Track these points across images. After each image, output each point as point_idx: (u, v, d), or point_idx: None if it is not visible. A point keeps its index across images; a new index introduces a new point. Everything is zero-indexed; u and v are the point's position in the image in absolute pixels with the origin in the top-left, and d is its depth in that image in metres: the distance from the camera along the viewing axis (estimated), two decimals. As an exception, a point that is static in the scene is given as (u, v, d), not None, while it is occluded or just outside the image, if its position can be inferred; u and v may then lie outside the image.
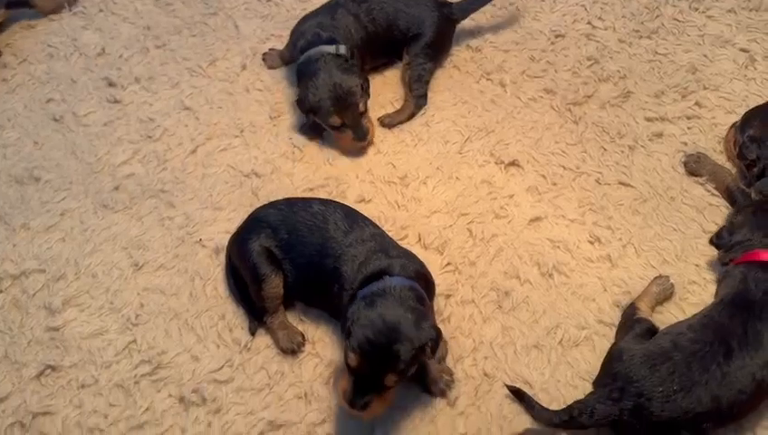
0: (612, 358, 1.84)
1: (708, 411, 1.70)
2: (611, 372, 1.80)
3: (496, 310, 2.11)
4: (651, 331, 1.88)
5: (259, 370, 2.02)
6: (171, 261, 2.26)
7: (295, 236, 2.03)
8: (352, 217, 2.05)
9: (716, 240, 2.05)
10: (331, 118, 2.39)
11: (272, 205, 2.15)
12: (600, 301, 2.10)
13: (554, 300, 2.12)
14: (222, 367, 2.03)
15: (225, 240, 2.22)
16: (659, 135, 2.44)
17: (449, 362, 2.00)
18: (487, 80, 2.68)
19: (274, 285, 2.03)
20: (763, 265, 1.89)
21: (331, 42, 2.46)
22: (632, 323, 1.93)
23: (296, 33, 2.60)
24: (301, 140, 2.52)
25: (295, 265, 2.03)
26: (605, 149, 2.42)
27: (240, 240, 2.11)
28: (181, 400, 1.97)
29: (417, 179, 2.42)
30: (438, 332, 1.81)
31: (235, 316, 2.13)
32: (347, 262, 1.94)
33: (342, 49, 2.45)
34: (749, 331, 1.78)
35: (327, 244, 1.99)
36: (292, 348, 2.04)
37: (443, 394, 1.94)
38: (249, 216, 2.16)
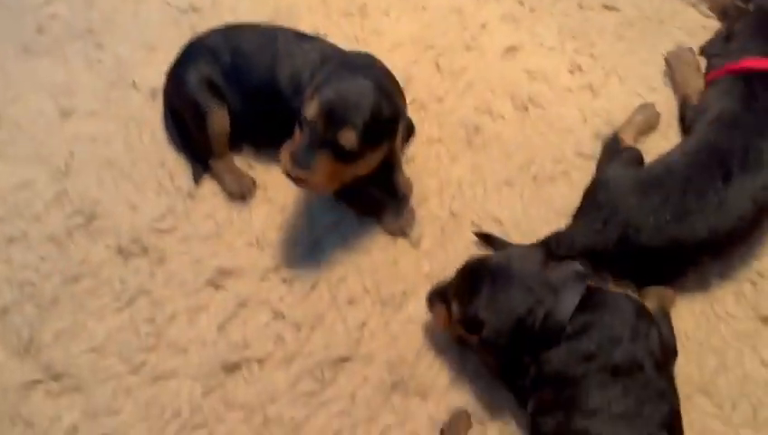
0: (597, 187, 1.67)
1: (703, 242, 1.55)
2: (595, 202, 1.64)
3: (465, 148, 1.92)
4: (640, 159, 1.70)
5: (205, 218, 1.83)
6: (103, 107, 2.01)
7: (240, 57, 1.78)
8: (304, 34, 1.82)
9: (709, 48, 1.83)
10: None
11: (211, 30, 1.89)
12: (579, 133, 1.91)
13: (529, 134, 1.93)
14: (164, 216, 1.83)
15: (161, 82, 1.97)
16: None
17: (413, 203, 1.83)
18: None
19: (219, 118, 1.80)
20: (765, 74, 1.68)
21: None
22: (618, 151, 1.74)
23: None
24: (244, -33, 2.23)
25: (243, 93, 1.79)
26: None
27: (176, 72, 1.86)
28: (120, 250, 1.79)
29: (378, 10, 2.16)
30: (412, 124, 1.63)
31: (176, 163, 1.91)
32: (304, 69, 1.71)
33: None
34: (750, 150, 1.59)
35: (278, 57, 1.75)
36: (241, 193, 1.85)
37: (403, 233, 1.78)
38: (185, 45, 1.90)
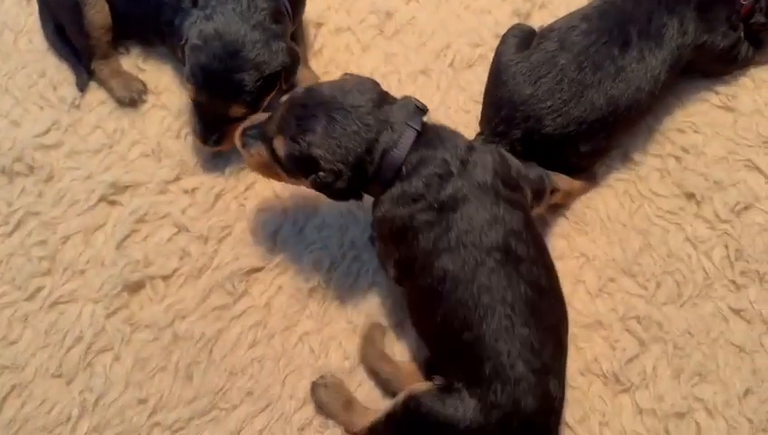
0: (492, 82, 1.55)
1: (605, 117, 1.46)
2: (493, 101, 1.52)
3: (377, 36, 1.78)
4: (529, 35, 1.56)
5: (94, 130, 1.68)
6: (-30, 12, 1.80)
7: None
8: None
9: None
10: None
11: None
12: (497, 13, 1.78)
13: (444, 18, 1.79)
14: (48, 130, 1.67)
15: (34, -19, 1.76)
16: None
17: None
18: None
19: (98, 8, 1.62)
20: None
21: None
22: (507, 33, 1.59)
23: None
24: None
25: None
26: None
27: None
28: (3, 171, 1.63)
29: None
30: (295, 54, 1.49)
31: (57, 72, 1.73)
32: None
33: None
34: (654, 20, 1.48)
35: None
36: (131, 97, 1.69)
37: None
38: None
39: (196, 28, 1.44)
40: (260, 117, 1.35)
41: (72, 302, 1.52)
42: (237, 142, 1.35)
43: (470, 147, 1.29)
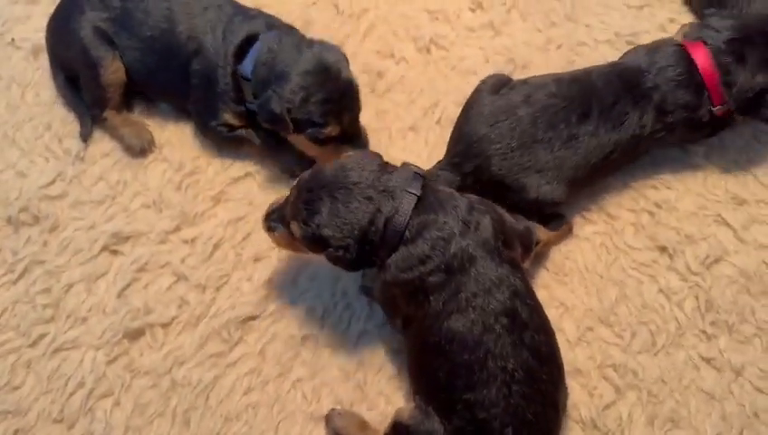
0: (461, 116, 1.65)
1: (548, 170, 1.55)
2: (455, 134, 1.64)
3: (369, 94, 1.87)
4: (503, 82, 1.66)
5: (97, 181, 1.75)
6: (-20, 67, 1.89)
7: (132, 2, 1.70)
8: None
9: None
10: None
11: None
12: (481, 73, 1.85)
13: (432, 77, 1.89)
14: (53, 181, 1.75)
15: (43, 39, 1.85)
16: None
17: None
18: None
19: (114, 68, 1.72)
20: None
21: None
22: (488, 77, 1.70)
23: None
24: None
25: (136, 40, 1.70)
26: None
27: (60, 21, 1.76)
28: (9, 220, 1.70)
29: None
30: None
31: (63, 125, 1.81)
32: (205, 32, 1.65)
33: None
34: (618, 105, 1.59)
35: (174, 9, 1.68)
36: (142, 145, 1.76)
37: None
38: None
39: (300, 90, 1.56)
40: (278, 202, 1.45)
41: (75, 348, 1.58)
42: (263, 226, 1.46)
43: (470, 207, 1.36)
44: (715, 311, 1.59)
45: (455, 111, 1.82)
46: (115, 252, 1.67)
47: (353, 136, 1.65)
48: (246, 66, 1.62)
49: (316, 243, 1.36)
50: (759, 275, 1.62)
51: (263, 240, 1.68)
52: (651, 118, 1.60)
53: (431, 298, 1.32)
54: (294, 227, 1.37)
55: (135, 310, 1.60)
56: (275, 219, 1.44)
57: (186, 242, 1.68)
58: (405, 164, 1.42)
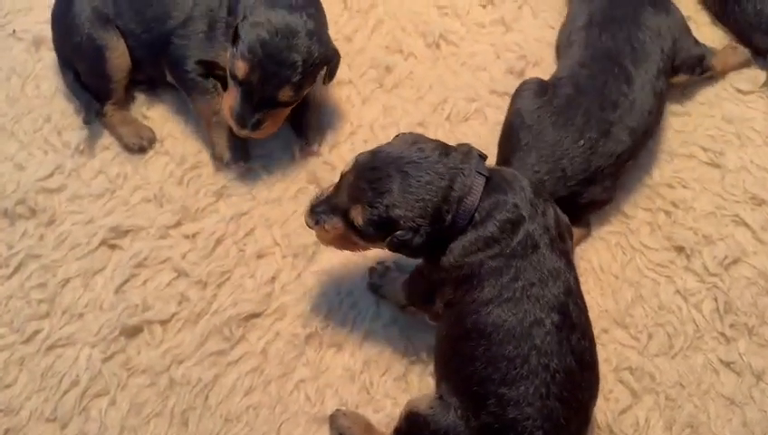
0: (515, 126, 1.58)
1: (629, 148, 1.53)
2: (519, 144, 1.54)
3: (377, 89, 1.83)
4: (544, 85, 1.62)
5: (97, 174, 1.70)
6: (-20, 58, 1.84)
7: None
8: None
9: None
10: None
11: None
12: (492, 69, 1.84)
13: (441, 73, 1.85)
14: (52, 174, 1.69)
15: (45, 30, 1.80)
16: None
17: (324, 150, 1.74)
18: None
19: (119, 52, 1.67)
20: None
21: None
22: (521, 86, 1.65)
23: None
24: None
25: (137, 21, 1.66)
26: None
27: (61, 9, 1.71)
28: (5, 213, 1.64)
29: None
30: (338, 55, 1.58)
31: (63, 117, 1.76)
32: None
33: None
34: (634, 43, 1.58)
35: None
36: (140, 144, 1.72)
37: (312, 140, 1.74)
38: None
39: (258, 9, 1.48)
40: (323, 193, 1.34)
41: (70, 345, 1.52)
42: (308, 221, 1.34)
43: (535, 189, 1.30)
44: (733, 313, 1.54)
45: (464, 108, 1.80)
46: (113, 247, 1.62)
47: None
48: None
49: (383, 227, 1.25)
50: (779, 277, 1.57)
51: (266, 236, 1.64)
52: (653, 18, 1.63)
53: (485, 283, 1.23)
54: (357, 211, 1.25)
55: (133, 306, 1.55)
56: (325, 211, 1.32)
57: (187, 237, 1.63)
58: (464, 144, 1.33)
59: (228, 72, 1.55)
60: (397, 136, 1.34)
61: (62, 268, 1.59)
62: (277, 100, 1.52)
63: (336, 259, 1.60)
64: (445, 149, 1.29)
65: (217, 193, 1.68)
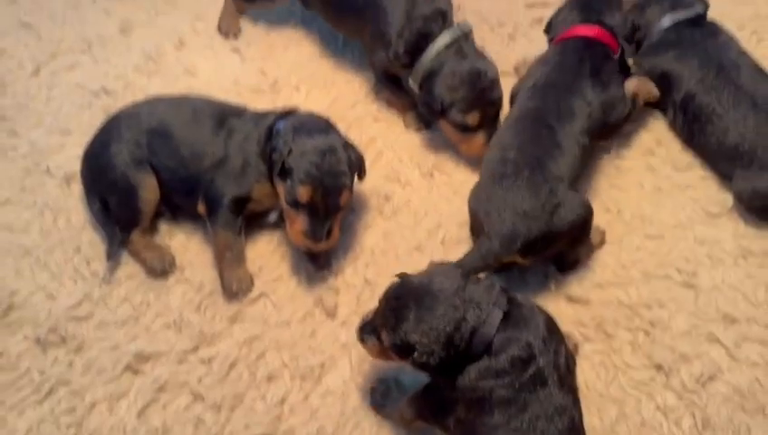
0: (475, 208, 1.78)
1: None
2: (472, 216, 1.81)
3: (377, 216, 2.00)
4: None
5: (122, 302, 1.86)
6: (17, 195, 2.04)
7: (165, 126, 1.90)
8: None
9: (546, 27, 2.11)
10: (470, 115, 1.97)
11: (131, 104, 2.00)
12: (482, 196, 2.01)
13: (436, 200, 2.02)
14: (81, 303, 1.85)
15: (75, 166, 2.00)
16: (540, 21, 2.32)
17: (329, 275, 1.90)
18: None
19: (151, 189, 1.88)
20: (579, 38, 1.96)
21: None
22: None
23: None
24: (154, 49, 2.29)
25: (173, 159, 1.88)
26: (485, 39, 2.29)
27: (97, 149, 1.92)
28: (38, 341, 1.79)
29: (289, 86, 2.25)
30: (362, 154, 1.87)
31: (91, 247, 1.94)
32: (236, 132, 1.88)
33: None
34: (561, 104, 1.82)
35: (205, 114, 1.91)
36: (163, 268, 1.88)
37: (321, 265, 1.91)
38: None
39: (298, 139, 1.73)
40: (369, 314, 1.54)
41: (95, 467, 1.64)
42: (357, 338, 1.56)
43: (549, 327, 1.44)
44: (711, 428, 1.64)
45: (457, 232, 1.96)
46: (136, 372, 1.75)
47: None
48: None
49: (403, 349, 1.43)
50: (752, 393, 1.67)
51: (276, 359, 1.77)
52: (590, 88, 1.88)
53: (495, 409, 1.38)
54: (384, 335, 1.46)
55: (153, 430, 1.67)
56: (368, 331, 1.53)
57: (203, 362, 1.77)
58: (488, 278, 1.52)
59: (285, 202, 1.76)
60: (430, 263, 1.54)
61: (90, 393, 1.72)
62: (339, 206, 1.75)
63: (341, 379, 1.73)
64: (466, 281, 1.45)
65: (231, 318, 1.83)
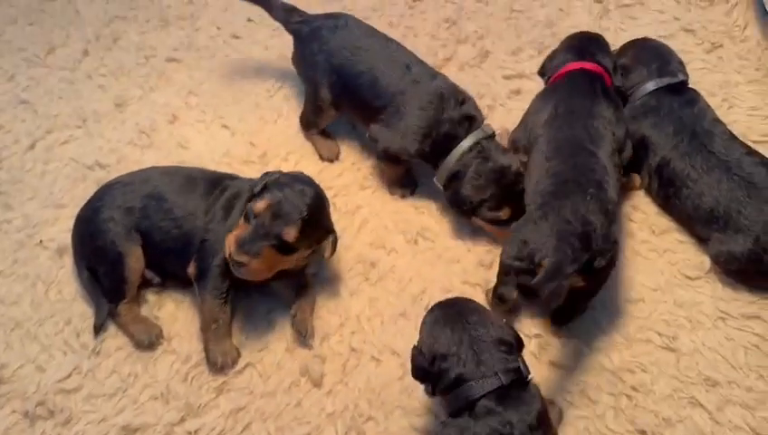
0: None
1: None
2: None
3: (363, 283, 2.04)
4: None
5: (110, 374, 1.88)
6: (10, 267, 2.08)
7: (156, 198, 1.95)
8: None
9: (541, 70, 2.18)
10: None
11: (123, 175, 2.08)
12: (464, 262, 2.06)
13: (420, 266, 2.07)
14: (70, 375, 1.87)
15: (68, 239, 2.05)
16: (518, 92, 2.42)
17: (315, 342, 1.92)
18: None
19: (136, 257, 1.92)
20: (580, 69, 2.06)
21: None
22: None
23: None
24: (148, 124, 2.37)
25: (167, 220, 1.93)
26: (465, 110, 2.38)
27: (87, 214, 1.98)
28: (26, 414, 1.80)
29: (277, 157, 2.32)
30: (336, 234, 1.90)
31: (81, 320, 1.97)
32: (230, 189, 1.96)
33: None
34: (590, 128, 1.87)
35: (200, 179, 1.98)
36: (150, 340, 1.90)
37: (304, 334, 1.91)
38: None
39: (285, 180, 1.83)
40: None
41: None
42: None
43: (539, 417, 1.47)
44: (698, 495, 1.65)
45: (441, 297, 1.96)
46: (124, 445, 1.76)
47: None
48: None
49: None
50: (736, 457, 1.69)
51: (261, 430, 1.78)
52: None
53: None
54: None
55: (139, 504, 1.67)
56: None
57: (189, 433, 1.77)
58: (520, 357, 1.54)
59: (245, 213, 1.78)
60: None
61: (76, 467, 1.73)
62: (282, 237, 1.73)
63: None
64: (499, 344, 1.51)
65: (218, 389, 1.84)
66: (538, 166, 1.88)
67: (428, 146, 2.05)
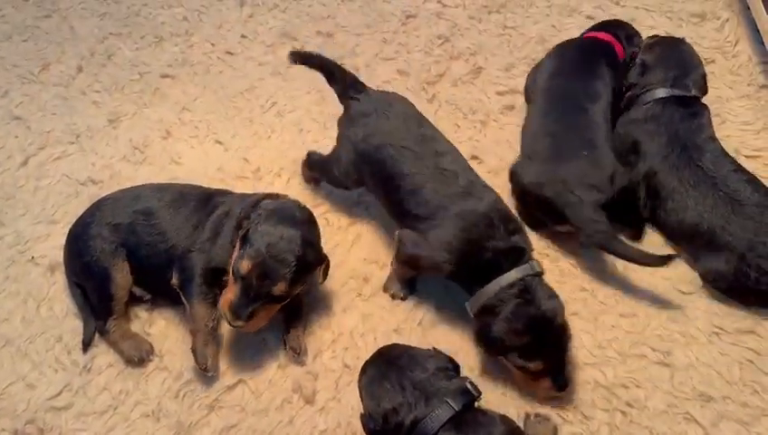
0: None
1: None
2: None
3: (356, 298, 2.03)
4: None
5: (101, 391, 1.86)
6: (1, 284, 2.08)
7: (148, 204, 1.96)
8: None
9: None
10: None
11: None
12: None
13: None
14: (60, 392, 1.86)
15: (60, 255, 2.04)
16: (511, 108, 2.43)
17: (308, 359, 1.91)
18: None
19: (123, 273, 1.91)
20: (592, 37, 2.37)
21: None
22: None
23: None
24: (141, 140, 2.37)
25: (154, 234, 1.92)
26: (458, 126, 2.39)
27: (78, 231, 1.98)
28: (15, 433, 1.79)
29: (270, 172, 2.32)
30: (328, 262, 1.87)
31: (73, 336, 1.95)
32: (222, 206, 1.94)
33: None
34: (588, 88, 2.16)
35: (191, 196, 1.98)
36: (140, 356, 1.89)
37: (298, 352, 1.89)
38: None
39: (268, 222, 1.77)
40: None
41: None
42: None
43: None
44: None
45: (435, 313, 1.99)
46: (113, 464, 1.75)
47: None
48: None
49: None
50: (732, 474, 1.68)
51: (254, 448, 1.77)
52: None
53: None
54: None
55: None
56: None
57: (180, 452, 1.76)
58: (462, 378, 1.56)
59: (231, 270, 1.76)
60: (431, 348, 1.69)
61: (65, 487, 1.71)
62: (272, 294, 1.72)
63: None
64: (438, 373, 1.54)
65: (210, 406, 1.83)
66: (538, 109, 2.20)
67: (465, 271, 1.79)
